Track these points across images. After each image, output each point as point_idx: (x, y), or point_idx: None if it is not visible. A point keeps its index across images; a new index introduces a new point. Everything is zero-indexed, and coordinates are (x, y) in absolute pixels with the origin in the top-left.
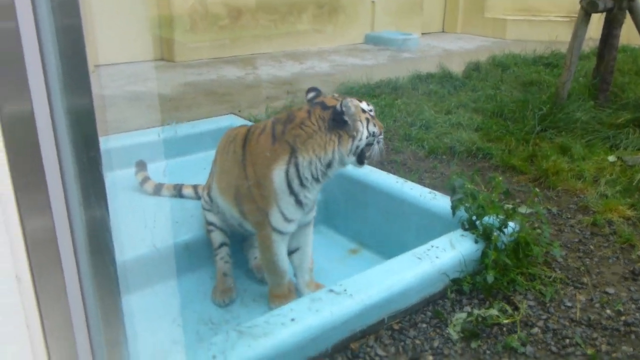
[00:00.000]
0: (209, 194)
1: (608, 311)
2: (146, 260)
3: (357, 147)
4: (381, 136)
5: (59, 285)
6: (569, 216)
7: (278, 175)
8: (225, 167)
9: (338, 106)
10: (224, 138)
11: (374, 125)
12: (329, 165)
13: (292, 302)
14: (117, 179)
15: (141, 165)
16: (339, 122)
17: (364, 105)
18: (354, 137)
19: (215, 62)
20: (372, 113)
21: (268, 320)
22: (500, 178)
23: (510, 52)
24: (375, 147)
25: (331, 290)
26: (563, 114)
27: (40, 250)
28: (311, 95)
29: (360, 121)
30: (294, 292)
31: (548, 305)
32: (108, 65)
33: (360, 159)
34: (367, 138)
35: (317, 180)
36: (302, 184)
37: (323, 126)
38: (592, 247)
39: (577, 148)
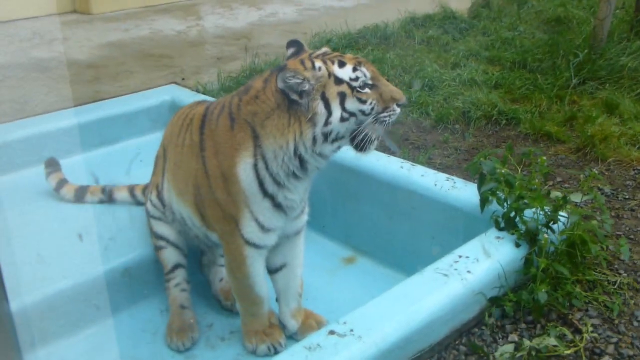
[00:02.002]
0: (159, 197)
1: None
2: (66, 297)
3: (326, 134)
4: (388, 113)
5: None
6: (627, 196)
7: (244, 170)
8: (180, 158)
9: (278, 80)
10: (177, 119)
11: (360, 100)
12: (299, 157)
13: (282, 355)
14: (18, 183)
15: (53, 165)
16: (291, 101)
17: (343, 72)
18: (313, 122)
19: (145, 12)
20: (360, 81)
21: None
22: (544, 157)
23: None
24: (377, 128)
25: (332, 332)
26: (604, 60)
27: None
28: (290, 51)
29: (325, 98)
30: (277, 325)
31: (617, 322)
32: (0, 23)
33: (358, 145)
34: (342, 121)
35: (294, 176)
36: (276, 182)
37: (282, 103)
38: None
39: (627, 104)
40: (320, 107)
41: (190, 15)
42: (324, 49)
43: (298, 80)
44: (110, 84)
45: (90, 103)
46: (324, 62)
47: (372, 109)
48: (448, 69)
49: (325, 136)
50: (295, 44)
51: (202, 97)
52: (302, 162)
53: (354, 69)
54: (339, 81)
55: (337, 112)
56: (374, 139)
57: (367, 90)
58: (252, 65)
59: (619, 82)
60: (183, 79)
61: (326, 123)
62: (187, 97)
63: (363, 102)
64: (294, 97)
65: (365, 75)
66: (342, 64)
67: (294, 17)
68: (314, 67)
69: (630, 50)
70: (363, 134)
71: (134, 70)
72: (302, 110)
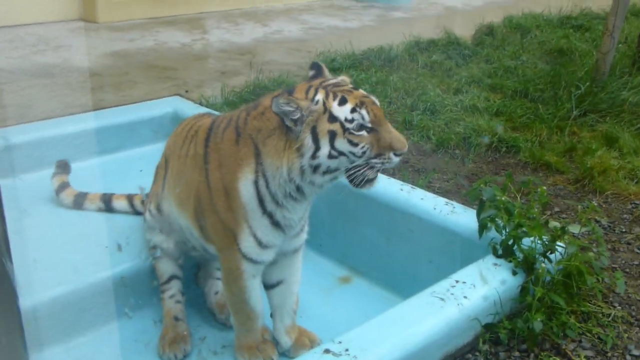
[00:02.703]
0: (158, 207)
1: None
2: (60, 304)
3: (314, 166)
4: (380, 159)
5: None
6: (624, 230)
7: (245, 186)
8: (183, 169)
9: (273, 104)
10: (180, 130)
11: (351, 142)
12: (293, 182)
13: None
14: (18, 188)
15: (62, 167)
16: (287, 126)
17: (340, 110)
18: (300, 152)
19: (151, 23)
20: (356, 124)
21: None
22: (544, 187)
23: (529, 11)
24: (366, 172)
25: (327, 351)
26: (606, 93)
27: None
28: (311, 74)
29: (315, 133)
30: (270, 341)
31: (610, 355)
32: (5, 28)
33: (353, 181)
34: (330, 158)
35: (292, 197)
36: (275, 201)
37: (283, 125)
38: None
39: (627, 138)
40: (308, 140)
41: (196, 28)
42: (340, 78)
43: (290, 108)
44: (113, 92)
45: (93, 111)
46: (327, 95)
47: (364, 152)
48: (450, 94)
49: (314, 168)
50: (315, 67)
51: (205, 110)
52: (297, 186)
53: (353, 110)
54: (333, 119)
55: (325, 149)
56: (372, 179)
57: (363, 133)
58: (256, 81)
59: (619, 115)
60: (186, 91)
61: (313, 157)
62: (190, 109)
63: (354, 144)
64: (288, 123)
65: (363, 118)
66: (343, 102)
67: (299, 35)
68: (314, 98)
69: (631, 84)
70: (358, 171)
71: (138, 81)
72: (293, 137)
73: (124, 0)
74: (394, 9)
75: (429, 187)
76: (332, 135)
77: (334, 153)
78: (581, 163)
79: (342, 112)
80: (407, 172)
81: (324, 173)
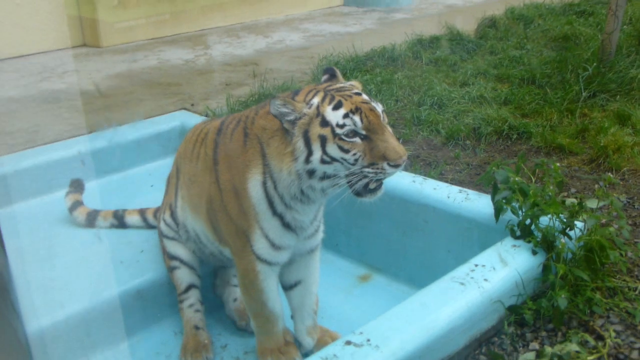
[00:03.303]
0: (172, 216)
1: None
2: (79, 320)
3: (310, 171)
4: (373, 169)
5: None
6: None
7: (254, 188)
8: (195, 172)
9: (271, 105)
10: (191, 135)
11: (342, 148)
12: (296, 186)
13: None
14: (31, 210)
15: (76, 185)
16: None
17: (333, 115)
18: (294, 156)
19: (154, 43)
20: (347, 129)
21: None
22: (557, 164)
23: (531, 1)
24: (363, 181)
25: (348, 342)
26: (614, 73)
27: None
28: (324, 78)
29: (307, 137)
30: (292, 343)
31: None
32: (12, 59)
33: (352, 188)
34: (323, 163)
35: (299, 200)
36: (284, 203)
37: (283, 125)
38: None
39: (639, 115)
40: (300, 144)
41: (198, 45)
42: (349, 83)
43: (286, 110)
44: (120, 111)
45: (100, 131)
46: (324, 99)
47: (357, 160)
48: (457, 87)
49: (309, 173)
50: (329, 72)
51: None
52: (301, 190)
53: (345, 115)
54: (324, 123)
55: (317, 154)
56: (374, 189)
57: (356, 139)
58: (260, 89)
59: (629, 94)
60: (192, 104)
61: (307, 161)
62: (197, 121)
63: (345, 151)
64: (285, 125)
65: (355, 124)
66: (337, 106)
67: (301, 43)
68: (310, 100)
69: (639, 62)
70: (354, 179)
71: (144, 98)
72: (289, 140)
73: (125, 23)
74: (395, 11)
75: (441, 179)
76: (323, 140)
77: (327, 158)
78: (594, 143)
79: (335, 116)
80: (419, 166)
81: (321, 179)
